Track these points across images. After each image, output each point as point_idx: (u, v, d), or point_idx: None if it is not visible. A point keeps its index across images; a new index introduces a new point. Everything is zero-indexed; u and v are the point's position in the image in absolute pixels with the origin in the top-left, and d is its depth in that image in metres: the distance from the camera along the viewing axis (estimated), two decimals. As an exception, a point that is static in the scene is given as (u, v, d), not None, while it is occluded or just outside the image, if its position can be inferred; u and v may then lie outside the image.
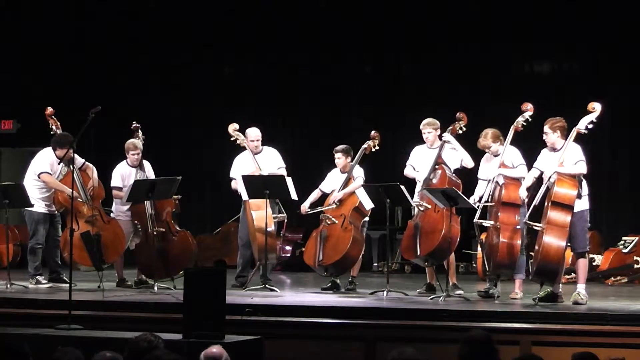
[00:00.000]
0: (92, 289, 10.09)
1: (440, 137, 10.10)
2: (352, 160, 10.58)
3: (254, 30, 14.59)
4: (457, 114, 10.11)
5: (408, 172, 10.25)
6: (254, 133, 10.82)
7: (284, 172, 10.68)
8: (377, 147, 10.66)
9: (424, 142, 10.23)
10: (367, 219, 10.54)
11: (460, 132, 10.06)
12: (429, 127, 10.14)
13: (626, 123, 13.64)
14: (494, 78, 14.04)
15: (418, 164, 10.17)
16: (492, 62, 14.06)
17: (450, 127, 10.08)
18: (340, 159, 10.59)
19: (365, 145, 10.64)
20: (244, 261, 10.78)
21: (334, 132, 13.77)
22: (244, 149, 10.84)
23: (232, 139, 10.90)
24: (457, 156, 10.02)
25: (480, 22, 13.84)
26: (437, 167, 9.97)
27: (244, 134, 10.85)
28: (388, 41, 14.33)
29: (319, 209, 10.57)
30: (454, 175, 9.98)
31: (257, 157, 10.71)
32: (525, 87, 13.43)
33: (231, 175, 10.82)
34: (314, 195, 10.68)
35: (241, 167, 10.70)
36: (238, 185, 10.52)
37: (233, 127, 10.92)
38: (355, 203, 10.34)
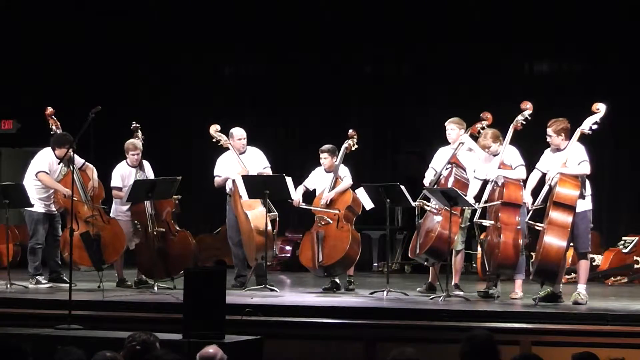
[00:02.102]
0: (92, 289, 10.08)
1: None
2: (337, 160, 10.55)
3: (254, 30, 14.58)
4: (482, 114, 10.06)
5: (429, 174, 10.15)
6: (240, 132, 10.79)
7: (269, 171, 10.68)
8: (356, 146, 10.62)
9: (435, 142, 10.20)
10: (356, 217, 10.54)
11: (482, 132, 10.00)
12: (452, 125, 10.10)
13: (626, 123, 13.62)
14: (494, 78, 14.03)
15: (439, 165, 10.12)
16: (492, 62, 14.05)
17: (470, 127, 10.06)
18: (326, 158, 10.57)
19: (345, 145, 10.60)
20: (239, 261, 10.77)
21: (334, 132, 13.73)
22: (225, 150, 10.81)
23: (213, 140, 10.87)
24: (474, 157, 10.00)
25: (480, 22, 13.83)
26: (447, 167, 9.95)
27: (226, 134, 10.83)
28: (388, 41, 14.32)
29: (314, 207, 10.54)
30: (464, 176, 9.93)
31: (241, 157, 10.70)
32: (525, 87, 13.43)
33: (215, 172, 10.80)
34: (300, 190, 10.64)
35: (226, 168, 10.69)
36: (238, 184, 10.50)
37: (215, 128, 10.89)
38: (347, 202, 10.34)
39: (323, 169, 10.64)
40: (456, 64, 14.02)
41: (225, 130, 10.92)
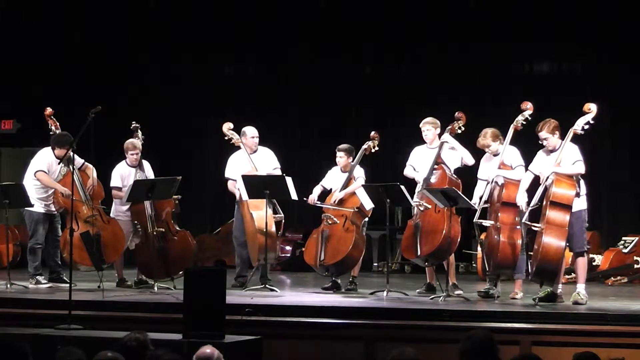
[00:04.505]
0: (92, 289, 10.08)
1: (440, 136, 10.11)
2: (353, 161, 10.58)
3: (254, 30, 14.59)
4: (456, 114, 10.12)
5: (408, 172, 10.26)
6: (252, 131, 10.80)
7: (278, 172, 10.67)
8: (376, 148, 10.66)
9: (424, 142, 10.25)
10: (366, 219, 10.54)
11: (459, 131, 10.07)
12: (427, 125, 10.16)
13: (626, 123, 13.64)
14: (494, 78, 14.04)
15: (418, 164, 10.17)
16: (492, 62, 14.05)
17: (449, 127, 10.09)
18: (342, 157, 10.59)
19: (365, 146, 10.63)
20: (242, 261, 10.77)
21: (334, 132, 13.77)
22: (237, 148, 10.83)
23: (226, 138, 10.88)
24: (457, 155, 10.03)
25: (480, 22, 13.84)
26: (436, 167, 9.97)
27: (238, 133, 10.84)
28: (388, 41, 14.32)
29: (324, 205, 10.54)
30: (453, 175, 9.98)
31: (252, 157, 10.70)
32: (525, 87, 13.43)
33: (227, 175, 10.81)
34: (318, 189, 10.68)
35: (237, 167, 10.69)
36: (237, 185, 10.51)
37: (227, 126, 10.89)
38: (356, 203, 10.34)
39: (339, 168, 10.65)
40: (456, 64, 14.02)
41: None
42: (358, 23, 14.31)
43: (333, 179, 10.68)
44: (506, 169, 9.59)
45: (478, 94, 13.78)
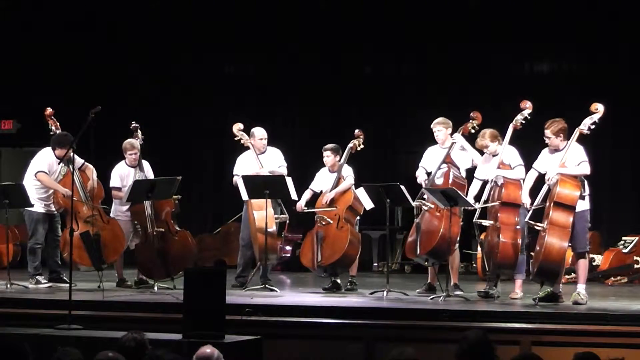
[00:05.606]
0: (92, 289, 10.09)
1: (452, 136, 10.08)
2: (340, 160, 10.57)
3: (254, 30, 14.58)
4: (471, 113, 10.08)
5: (420, 174, 10.17)
6: (261, 132, 10.81)
7: (284, 170, 10.68)
8: (362, 146, 10.64)
9: (433, 143, 10.21)
10: (359, 217, 10.53)
11: (473, 131, 10.02)
12: (438, 126, 10.13)
13: (627, 123, 13.62)
14: (494, 78, 14.03)
15: (430, 164, 10.12)
16: (492, 62, 14.05)
17: (462, 127, 10.06)
18: (329, 157, 10.58)
19: (350, 145, 10.62)
20: (245, 261, 10.78)
21: (334, 132, 13.75)
22: (247, 148, 10.83)
23: (236, 138, 10.89)
24: (467, 156, 10.01)
25: (481, 22, 13.83)
26: (443, 166, 9.94)
27: (247, 133, 10.84)
28: (388, 41, 14.32)
29: (314, 209, 10.56)
30: (460, 176, 9.93)
31: (260, 157, 10.71)
32: (525, 87, 13.42)
33: (235, 172, 10.81)
34: (307, 194, 10.68)
35: (245, 166, 10.70)
36: (238, 184, 10.52)
37: (237, 127, 10.91)
38: (348, 202, 10.34)
39: (327, 169, 10.64)
40: (456, 64, 14.02)
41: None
42: (358, 23, 14.31)
43: (322, 180, 10.66)
44: (505, 169, 9.58)
45: (478, 94, 13.77)
